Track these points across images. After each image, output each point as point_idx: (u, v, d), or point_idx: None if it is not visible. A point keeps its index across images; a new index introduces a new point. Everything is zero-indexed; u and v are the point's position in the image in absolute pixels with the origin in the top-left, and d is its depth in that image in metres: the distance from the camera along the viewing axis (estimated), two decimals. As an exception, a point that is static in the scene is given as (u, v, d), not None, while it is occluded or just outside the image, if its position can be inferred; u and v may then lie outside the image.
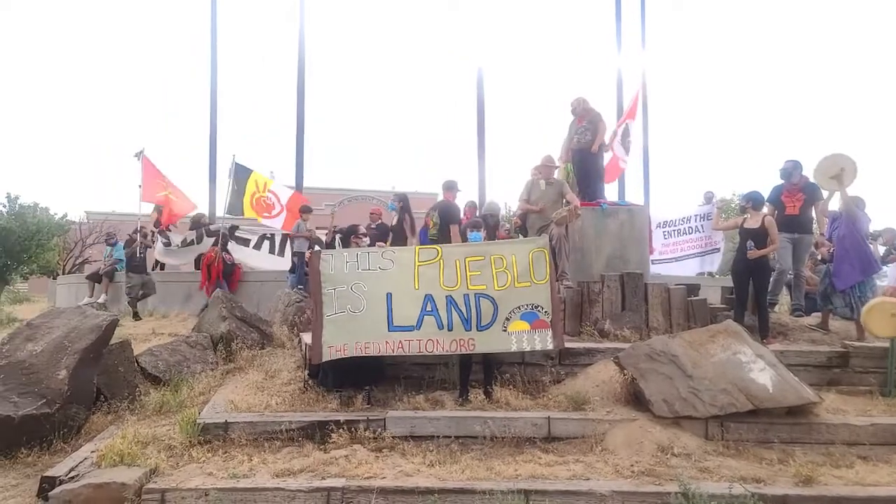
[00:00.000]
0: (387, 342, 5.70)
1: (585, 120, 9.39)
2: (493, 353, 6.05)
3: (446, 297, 5.81)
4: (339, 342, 5.64)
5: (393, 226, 10.25)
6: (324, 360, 5.68)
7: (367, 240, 7.43)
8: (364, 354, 5.66)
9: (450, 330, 5.75)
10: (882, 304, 6.50)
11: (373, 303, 5.75)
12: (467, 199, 11.23)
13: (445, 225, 8.20)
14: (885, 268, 8.78)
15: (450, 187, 8.82)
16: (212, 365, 7.21)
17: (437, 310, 5.78)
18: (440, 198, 8.75)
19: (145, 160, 11.99)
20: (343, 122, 66.10)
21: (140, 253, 11.13)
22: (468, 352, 5.83)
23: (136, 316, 10.71)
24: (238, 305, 8.37)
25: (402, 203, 10.18)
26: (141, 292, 11.03)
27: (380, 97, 74.31)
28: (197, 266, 12.47)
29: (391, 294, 5.79)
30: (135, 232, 11.42)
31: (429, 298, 5.81)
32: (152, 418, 5.91)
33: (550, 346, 5.82)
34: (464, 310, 5.78)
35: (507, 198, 33.31)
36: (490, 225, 8.99)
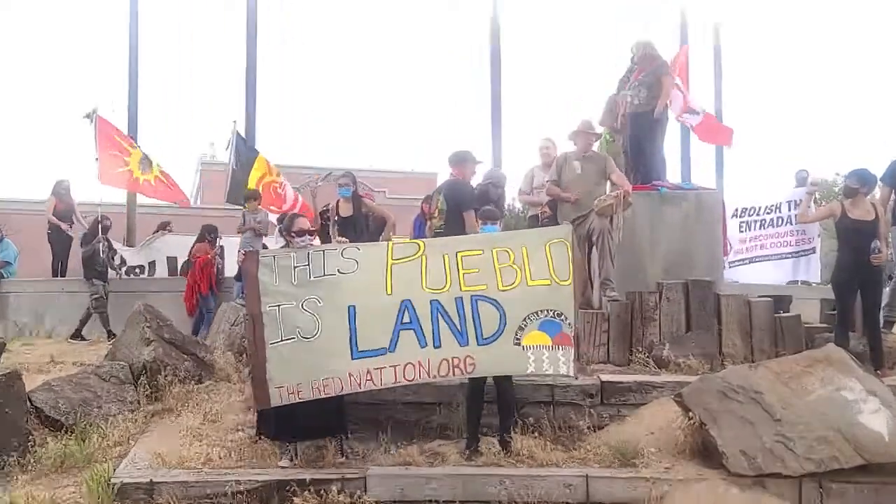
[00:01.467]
0: (350, 375, 5.48)
1: (645, 72, 9.32)
2: (505, 385, 6.03)
3: (431, 301, 5.60)
4: (291, 380, 5.43)
5: (344, 217, 9.28)
6: (273, 404, 5.47)
7: (312, 239, 7.03)
8: (322, 395, 5.48)
9: (437, 347, 5.55)
10: None
11: (330, 322, 5.55)
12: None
13: (455, 212, 7.77)
14: None
15: (460, 160, 8.11)
16: (131, 405, 7.21)
17: (418, 321, 5.56)
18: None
19: (102, 122, 11.69)
20: (316, 83, 66.07)
21: (103, 252, 11.08)
22: (465, 375, 5.72)
23: (110, 335, 10.62)
24: (167, 324, 8.35)
25: (355, 186, 9.43)
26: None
27: (362, 44, 74.24)
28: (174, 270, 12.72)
29: (354, 307, 5.58)
30: (96, 223, 11.36)
31: (406, 305, 5.59)
32: (51, 476, 5.90)
33: (570, 373, 5.74)
34: (456, 319, 5.57)
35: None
36: (493, 199, 8.81)
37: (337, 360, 5.52)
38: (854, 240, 7.46)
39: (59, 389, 7.09)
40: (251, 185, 12.40)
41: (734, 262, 13.48)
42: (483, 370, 5.70)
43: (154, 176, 12.64)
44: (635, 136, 9.45)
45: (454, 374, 5.66)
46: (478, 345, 5.57)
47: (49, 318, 11.53)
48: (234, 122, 12.44)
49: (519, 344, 5.58)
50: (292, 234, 6.68)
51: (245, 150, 12.63)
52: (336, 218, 9.26)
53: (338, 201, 9.35)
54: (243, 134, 13.40)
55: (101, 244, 11.08)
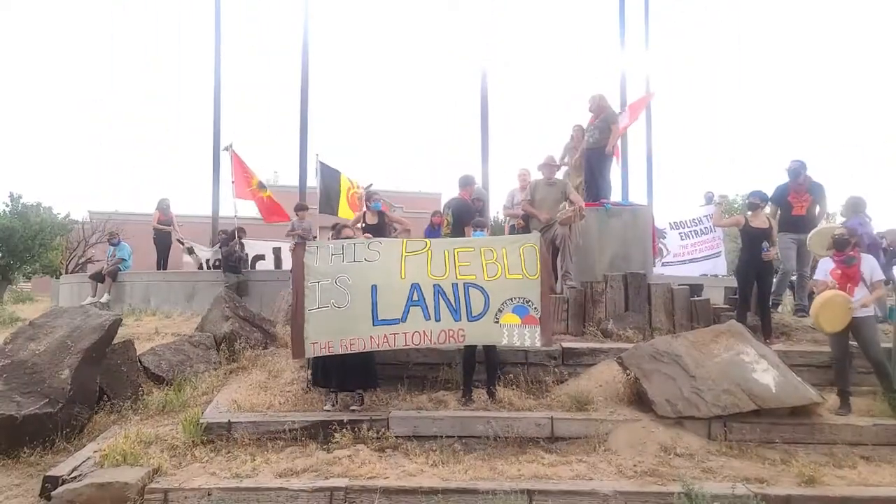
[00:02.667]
0: (371, 337, 5.51)
1: (598, 118, 9.30)
2: (491, 350, 6.00)
3: (434, 285, 5.63)
4: (323, 338, 5.50)
5: (371, 224, 9.07)
6: (306, 356, 5.63)
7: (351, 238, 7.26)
8: (349, 351, 5.53)
9: (437, 321, 5.56)
10: (835, 297, 5.96)
11: (357, 296, 5.58)
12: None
13: (459, 225, 7.96)
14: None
15: (466, 183, 8.46)
16: (215, 365, 7.23)
17: (423, 300, 5.59)
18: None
19: (234, 155, 11.97)
20: (342, 121, 65.95)
21: (237, 252, 11.16)
22: (458, 344, 5.71)
23: None
24: (241, 305, 8.38)
25: (382, 202, 9.52)
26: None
27: (380, 96, 74.13)
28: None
29: (376, 286, 5.61)
30: (234, 230, 11.48)
31: (415, 287, 5.62)
32: (155, 418, 5.93)
33: (538, 345, 5.67)
34: (452, 300, 5.60)
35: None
36: (478, 209, 8.79)
37: (361, 325, 5.54)
38: (753, 243, 7.45)
39: (162, 353, 7.13)
40: (342, 199, 12.20)
41: (671, 262, 13.35)
42: (471, 340, 5.72)
43: (267, 195, 12.78)
44: (590, 166, 9.43)
45: (449, 342, 5.66)
46: (468, 321, 5.59)
47: (153, 301, 11.55)
48: (318, 154, 12.33)
49: (498, 322, 5.60)
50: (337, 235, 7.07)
51: (330, 171, 12.33)
52: (363, 224, 9.37)
53: (365, 212, 9.44)
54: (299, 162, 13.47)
55: (237, 245, 11.23)
